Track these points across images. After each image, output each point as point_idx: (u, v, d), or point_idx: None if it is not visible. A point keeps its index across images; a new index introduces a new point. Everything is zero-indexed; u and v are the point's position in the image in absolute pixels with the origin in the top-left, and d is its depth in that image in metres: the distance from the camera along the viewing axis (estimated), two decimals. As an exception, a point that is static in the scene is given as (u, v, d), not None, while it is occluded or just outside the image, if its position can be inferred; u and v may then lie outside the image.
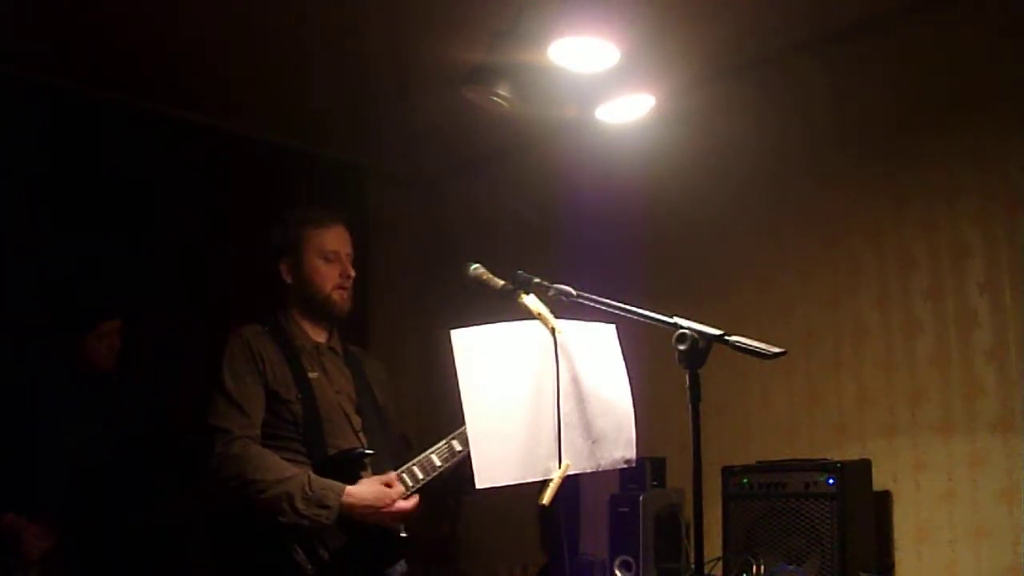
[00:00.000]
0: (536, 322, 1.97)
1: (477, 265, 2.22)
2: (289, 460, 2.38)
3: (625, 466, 2.05)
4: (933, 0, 3.26)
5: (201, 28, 3.46)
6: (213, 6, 3.31)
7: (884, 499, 3.20)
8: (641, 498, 3.31)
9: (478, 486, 2.20)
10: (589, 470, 1.98)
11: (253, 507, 2.30)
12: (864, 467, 3.07)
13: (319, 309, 2.58)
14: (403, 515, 2.40)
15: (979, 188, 3.13)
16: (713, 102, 3.90)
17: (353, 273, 2.59)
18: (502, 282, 2.11)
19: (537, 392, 1.92)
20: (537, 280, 2.05)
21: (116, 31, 3.44)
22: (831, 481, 2.83)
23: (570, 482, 1.94)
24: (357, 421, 2.55)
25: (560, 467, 1.91)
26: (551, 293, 2.03)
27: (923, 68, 3.30)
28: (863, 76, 3.47)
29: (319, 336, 2.62)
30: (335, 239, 2.59)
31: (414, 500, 2.42)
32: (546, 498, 1.89)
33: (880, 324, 3.35)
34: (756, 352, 1.68)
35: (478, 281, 2.19)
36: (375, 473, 2.44)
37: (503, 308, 2.02)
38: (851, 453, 3.22)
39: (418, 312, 5.04)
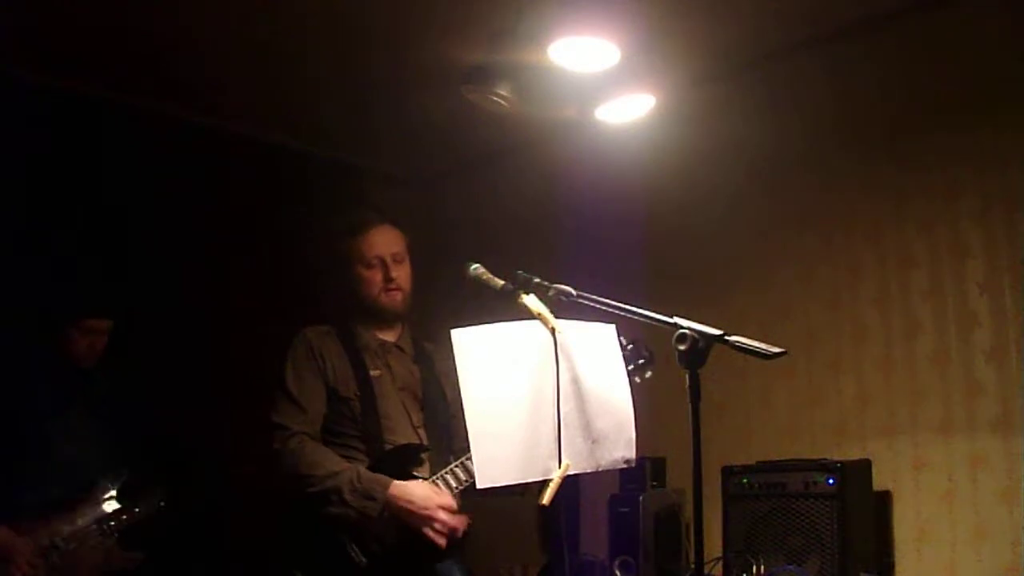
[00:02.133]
0: (536, 322, 1.97)
1: (477, 265, 2.23)
2: (347, 456, 2.48)
3: (625, 466, 2.05)
4: (933, 0, 3.26)
5: (200, 28, 3.46)
6: (213, 6, 3.31)
7: (884, 499, 3.19)
8: (641, 498, 3.31)
9: (478, 486, 2.21)
10: (589, 470, 1.98)
11: (309, 501, 2.40)
12: (864, 467, 3.07)
13: (373, 314, 2.65)
14: (444, 527, 2.42)
15: (979, 188, 3.13)
16: (713, 102, 3.90)
17: (395, 274, 2.62)
18: (502, 282, 2.12)
19: (537, 392, 1.93)
20: (537, 280, 2.06)
21: (114, 31, 3.44)
22: (831, 481, 2.83)
23: (570, 482, 1.95)
24: (418, 417, 2.60)
25: (560, 467, 1.91)
26: (551, 293, 2.03)
27: (922, 68, 3.30)
28: (863, 76, 3.47)
29: (387, 335, 2.69)
30: (373, 244, 2.63)
31: (461, 520, 2.45)
32: (546, 498, 1.89)
33: (880, 324, 3.35)
34: (756, 352, 1.68)
35: (478, 281, 2.20)
36: (433, 468, 2.50)
37: (503, 308, 2.03)
38: (851, 453, 3.22)
39: (418, 312, 5.02)
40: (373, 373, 2.59)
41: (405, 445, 2.53)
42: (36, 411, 2.94)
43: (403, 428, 2.57)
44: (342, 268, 2.64)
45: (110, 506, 2.94)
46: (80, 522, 2.88)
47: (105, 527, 2.91)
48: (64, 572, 2.80)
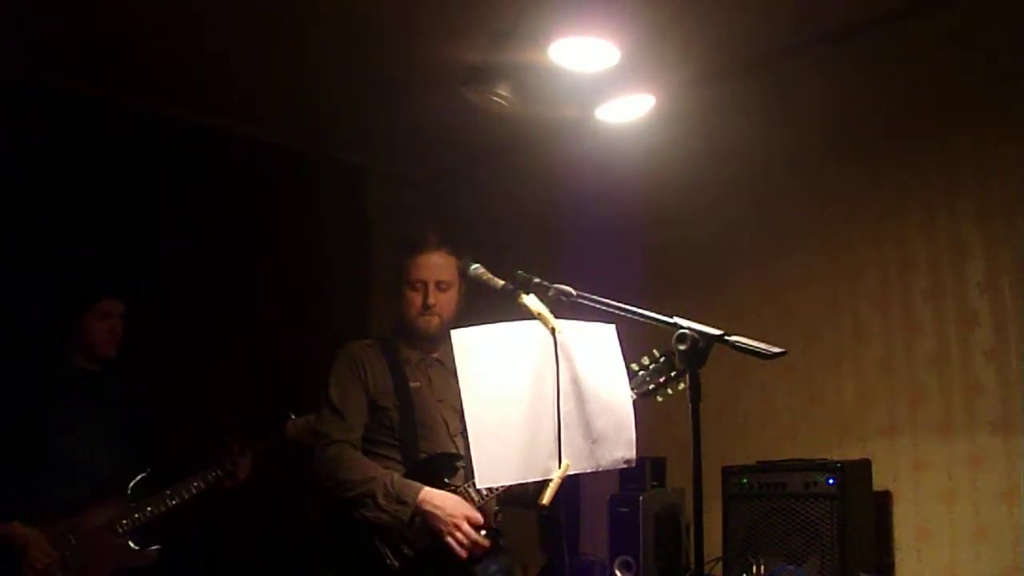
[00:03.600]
0: (536, 322, 1.97)
1: (477, 265, 2.24)
2: (385, 464, 2.54)
3: (625, 466, 2.05)
4: (939, 2, 3.26)
5: (201, 29, 3.46)
6: (214, 8, 3.31)
7: (884, 499, 3.19)
8: (641, 498, 3.31)
9: (478, 486, 2.23)
10: (589, 470, 1.98)
11: (345, 506, 2.47)
12: (864, 467, 3.07)
13: (408, 332, 2.72)
14: (466, 539, 2.39)
15: (979, 189, 3.13)
16: (713, 102, 3.90)
17: (433, 300, 2.66)
18: (502, 282, 2.12)
19: (537, 392, 1.93)
20: (537, 280, 2.06)
21: (118, 33, 3.45)
22: (831, 481, 2.83)
23: (570, 482, 1.95)
24: (456, 427, 2.63)
25: (560, 467, 1.91)
26: (551, 293, 2.03)
27: (924, 69, 3.30)
28: (864, 76, 3.47)
29: (427, 351, 2.74)
30: (420, 268, 2.68)
31: (484, 540, 2.44)
32: (546, 498, 1.89)
33: (880, 324, 3.35)
34: (756, 352, 1.68)
35: (478, 281, 2.21)
36: (467, 477, 2.51)
37: (503, 308, 2.03)
38: (851, 453, 3.22)
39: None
40: (412, 384, 2.66)
41: (440, 454, 2.59)
42: (47, 411, 2.95)
43: (440, 438, 2.62)
44: (396, 287, 2.74)
45: (122, 505, 2.95)
46: (93, 520, 2.90)
47: (118, 526, 2.93)
48: (77, 570, 2.82)
